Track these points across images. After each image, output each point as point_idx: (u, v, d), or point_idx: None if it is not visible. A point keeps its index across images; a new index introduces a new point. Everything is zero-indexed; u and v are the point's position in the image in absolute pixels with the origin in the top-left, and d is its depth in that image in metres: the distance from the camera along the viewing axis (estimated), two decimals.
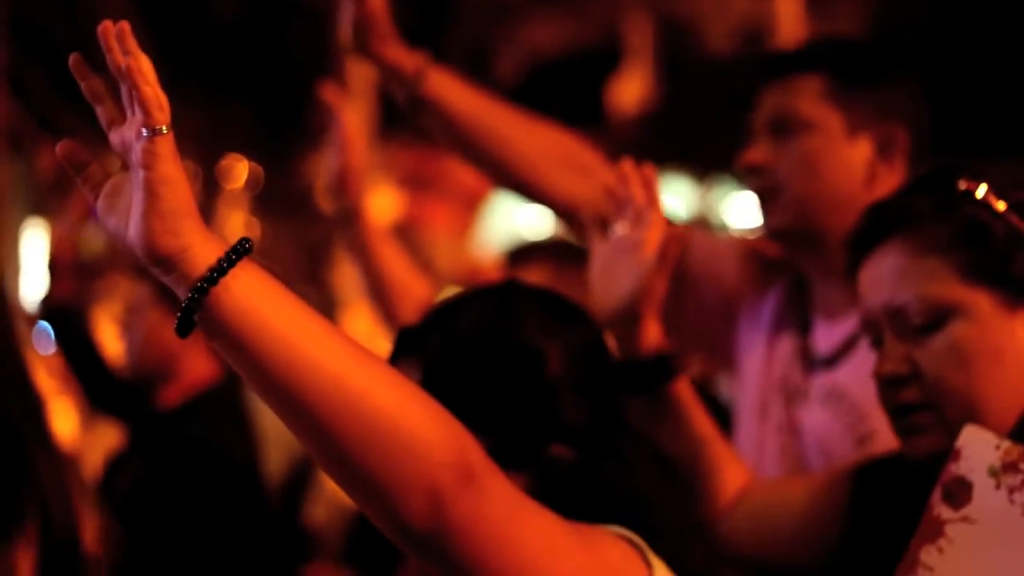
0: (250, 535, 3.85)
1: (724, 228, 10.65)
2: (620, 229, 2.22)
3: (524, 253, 3.24)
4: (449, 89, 2.76)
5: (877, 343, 1.89)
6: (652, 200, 2.19)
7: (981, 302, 1.79)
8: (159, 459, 3.83)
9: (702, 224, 11.10)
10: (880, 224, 1.89)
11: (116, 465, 3.97)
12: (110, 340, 4.38)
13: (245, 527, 3.83)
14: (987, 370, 1.78)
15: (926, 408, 1.82)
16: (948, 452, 1.74)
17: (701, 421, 2.20)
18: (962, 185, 1.83)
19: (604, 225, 2.25)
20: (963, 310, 1.79)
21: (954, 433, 1.75)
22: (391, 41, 2.75)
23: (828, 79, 2.53)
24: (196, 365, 3.93)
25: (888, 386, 1.85)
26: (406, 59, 2.75)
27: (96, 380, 4.09)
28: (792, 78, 2.56)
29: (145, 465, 3.82)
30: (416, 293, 3.26)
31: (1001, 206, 1.80)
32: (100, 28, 1.41)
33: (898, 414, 1.86)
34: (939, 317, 1.80)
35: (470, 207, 12.33)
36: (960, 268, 1.80)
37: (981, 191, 1.81)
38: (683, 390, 2.19)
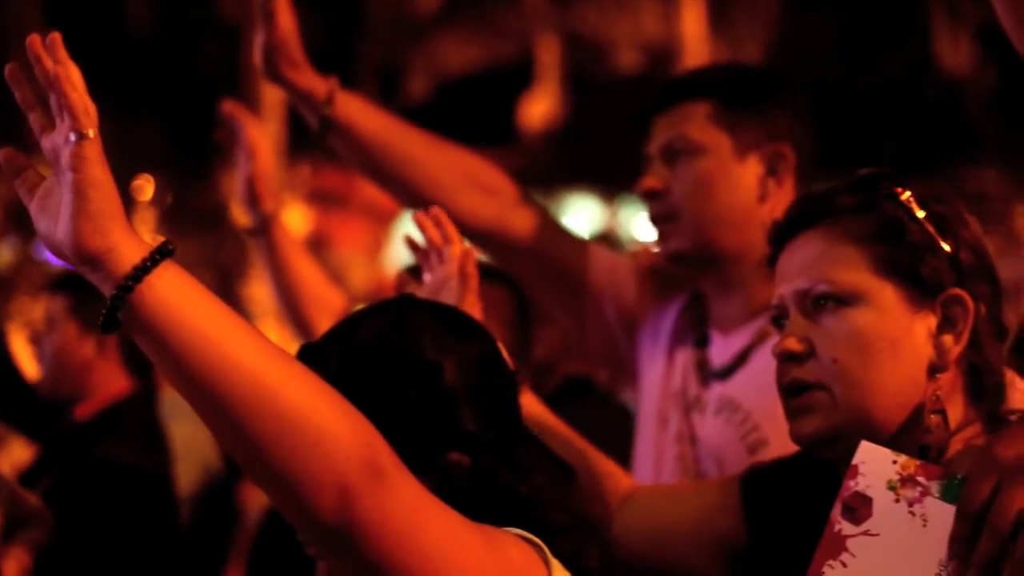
0: (160, 550, 3.85)
1: (631, 244, 10.72)
2: (428, 275, 2.30)
3: (417, 271, 3.29)
4: (357, 112, 2.82)
5: (779, 325, 1.93)
6: (447, 237, 2.28)
7: (887, 294, 1.84)
8: (68, 474, 3.80)
9: (609, 241, 11.17)
10: (804, 215, 1.93)
11: (25, 481, 3.94)
12: (23, 356, 4.36)
13: (155, 541, 3.83)
14: (882, 358, 1.82)
15: (818, 388, 1.86)
16: (833, 437, 1.81)
17: (553, 433, 2.23)
18: (887, 188, 1.89)
19: (419, 276, 2.34)
20: (868, 298, 1.84)
21: (841, 417, 1.82)
22: (301, 66, 2.79)
23: (714, 104, 2.63)
24: (110, 380, 3.89)
25: (785, 361, 1.89)
26: (316, 83, 2.80)
27: (10, 396, 4.06)
28: (681, 106, 2.66)
29: (54, 480, 3.80)
30: (330, 304, 3.31)
31: (920, 213, 1.86)
32: (28, 40, 1.49)
33: (790, 393, 1.89)
34: (844, 300, 1.84)
35: (381, 224, 12.34)
36: (873, 260, 1.85)
37: (905, 195, 1.88)
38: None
